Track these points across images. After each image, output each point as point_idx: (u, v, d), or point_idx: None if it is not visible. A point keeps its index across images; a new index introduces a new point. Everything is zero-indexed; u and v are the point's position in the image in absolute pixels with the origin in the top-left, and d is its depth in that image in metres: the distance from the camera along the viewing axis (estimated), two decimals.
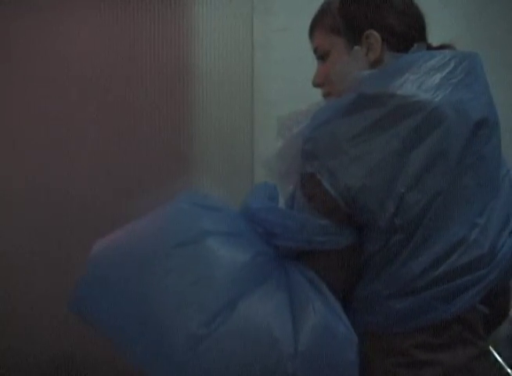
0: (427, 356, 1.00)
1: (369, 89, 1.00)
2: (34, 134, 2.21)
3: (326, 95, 1.16)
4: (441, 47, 1.10)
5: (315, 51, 1.16)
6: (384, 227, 0.97)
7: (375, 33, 1.06)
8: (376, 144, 0.96)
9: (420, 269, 0.97)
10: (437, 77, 0.99)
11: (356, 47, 1.08)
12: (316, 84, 1.17)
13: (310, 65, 1.21)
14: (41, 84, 2.20)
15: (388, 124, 0.96)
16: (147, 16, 2.20)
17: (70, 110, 2.20)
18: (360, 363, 0.96)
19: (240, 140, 2.26)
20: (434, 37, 1.14)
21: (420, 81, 0.98)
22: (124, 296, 0.99)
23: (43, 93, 2.21)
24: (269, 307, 0.94)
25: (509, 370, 1.84)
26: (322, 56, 1.14)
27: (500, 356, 1.82)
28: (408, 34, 1.08)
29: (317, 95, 1.18)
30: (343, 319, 0.97)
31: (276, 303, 0.95)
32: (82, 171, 2.22)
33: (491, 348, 1.35)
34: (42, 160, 2.22)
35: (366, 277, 1.01)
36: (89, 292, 1.04)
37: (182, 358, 0.90)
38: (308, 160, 1.01)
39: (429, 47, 1.10)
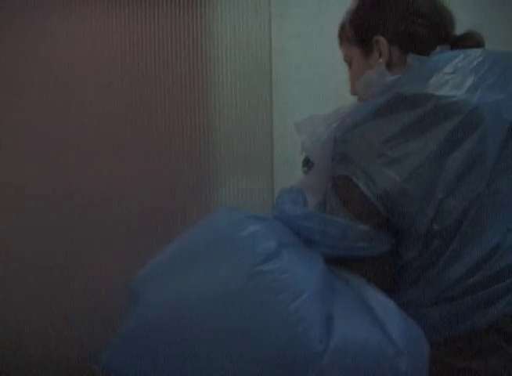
0: (462, 364, 0.98)
1: (405, 90, 0.98)
2: (48, 133, 2.21)
3: (361, 101, 1.14)
4: (467, 36, 1.09)
5: (344, 59, 1.20)
6: (423, 232, 0.94)
7: (381, 38, 1.08)
8: (413, 147, 0.94)
9: (456, 276, 0.95)
10: (473, 78, 0.97)
11: (379, 60, 1.09)
12: (352, 94, 1.18)
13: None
14: (49, 85, 2.21)
15: (426, 126, 0.94)
16: (165, 22, 2.22)
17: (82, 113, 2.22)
18: None
19: (260, 144, 2.28)
20: None
21: (457, 82, 0.96)
22: (205, 335, 0.89)
23: (56, 93, 2.22)
24: (354, 309, 0.91)
25: None
26: (349, 64, 1.18)
27: None
28: (420, 34, 1.08)
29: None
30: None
31: (355, 305, 0.92)
32: (95, 177, 2.22)
33: None
34: (50, 160, 2.23)
35: (403, 285, 0.99)
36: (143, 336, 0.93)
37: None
38: (341, 162, 0.98)
39: (453, 38, 1.09)
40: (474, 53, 1.00)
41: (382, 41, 1.09)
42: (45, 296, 2.19)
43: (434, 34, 1.08)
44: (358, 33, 1.13)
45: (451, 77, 0.96)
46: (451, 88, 0.95)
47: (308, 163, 2.17)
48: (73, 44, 2.21)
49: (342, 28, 1.18)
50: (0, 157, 2.21)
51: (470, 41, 1.08)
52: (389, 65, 1.08)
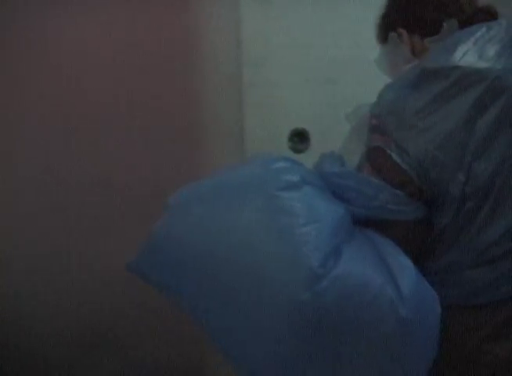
0: (506, 329, 1.00)
1: (431, 64, 1.02)
2: (48, 124, 2.17)
3: None
4: (482, 10, 1.14)
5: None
6: (457, 196, 0.98)
7: (401, 30, 1.18)
8: (442, 116, 0.98)
9: (494, 238, 0.98)
10: (496, 47, 1.01)
11: (392, 34, 1.19)
12: None
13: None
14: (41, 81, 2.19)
15: (452, 96, 0.98)
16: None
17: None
18: (442, 338, 0.95)
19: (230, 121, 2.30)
20: None
21: (480, 52, 1.00)
22: (216, 239, 0.99)
23: (48, 89, 2.17)
24: (367, 256, 0.95)
25: None
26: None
27: None
28: (430, 17, 1.14)
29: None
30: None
31: (370, 254, 0.96)
32: (93, 170, 2.21)
33: None
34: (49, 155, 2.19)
35: (440, 249, 1.02)
36: (166, 242, 1.05)
37: (300, 297, 0.88)
38: (376, 134, 1.03)
39: (468, 14, 1.13)
40: (496, 25, 1.04)
41: (403, 32, 1.18)
42: (48, 278, 2.20)
43: (445, 15, 1.13)
44: (384, 31, 1.22)
45: (475, 48, 1.01)
46: (475, 58, 0.99)
47: (293, 138, 2.27)
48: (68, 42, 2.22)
49: (376, 31, 1.27)
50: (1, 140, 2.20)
51: (486, 15, 1.13)
52: (413, 53, 1.17)
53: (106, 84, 2.21)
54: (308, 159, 1.17)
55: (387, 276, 0.92)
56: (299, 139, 2.33)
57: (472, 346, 1.01)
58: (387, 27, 1.22)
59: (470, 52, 1.00)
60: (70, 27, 2.17)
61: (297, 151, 2.30)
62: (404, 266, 0.95)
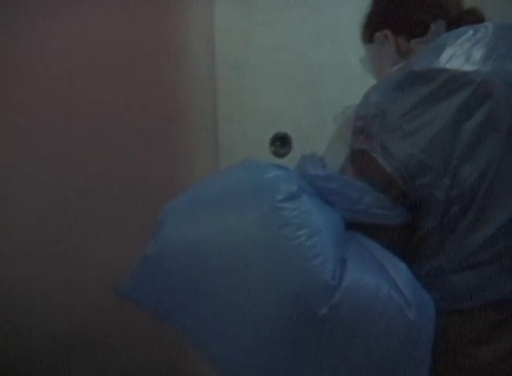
0: (496, 333, 0.98)
1: (418, 66, 1.01)
2: (35, 128, 2.22)
3: None
4: (469, 12, 1.13)
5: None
6: (442, 200, 0.97)
7: (386, 31, 1.17)
8: (428, 119, 0.97)
9: (479, 242, 0.97)
10: (484, 50, 1.00)
11: (377, 34, 1.18)
12: None
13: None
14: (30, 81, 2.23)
15: (439, 99, 0.97)
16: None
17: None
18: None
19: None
20: None
21: (467, 55, 0.99)
22: (214, 257, 0.94)
23: (39, 90, 2.23)
24: (367, 263, 0.94)
25: None
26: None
27: None
28: (416, 18, 1.14)
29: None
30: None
31: (368, 260, 0.95)
32: (83, 170, 2.21)
33: None
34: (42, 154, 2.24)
35: (425, 253, 1.01)
36: (160, 258, 0.98)
37: (318, 312, 0.86)
38: (360, 136, 1.02)
39: (456, 16, 1.12)
40: (483, 27, 1.03)
41: (388, 34, 1.17)
42: (46, 276, 2.19)
43: (430, 16, 1.12)
44: (369, 31, 1.21)
45: (461, 51, 1.00)
46: (461, 62, 0.98)
47: (275, 142, 2.26)
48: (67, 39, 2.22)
49: (361, 32, 1.26)
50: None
51: (471, 17, 1.12)
52: (399, 54, 1.16)
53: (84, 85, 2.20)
54: (290, 163, 1.14)
55: (390, 282, 0.91)
56: (281, 143, 2.32)
57: (456, 350, 1.00)
58: (372, 26, 1.21)
59: (457, 55, 0.99)
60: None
61: (279, 155, 2.30)
62: (400, 270, 0.95)
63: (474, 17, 1.12)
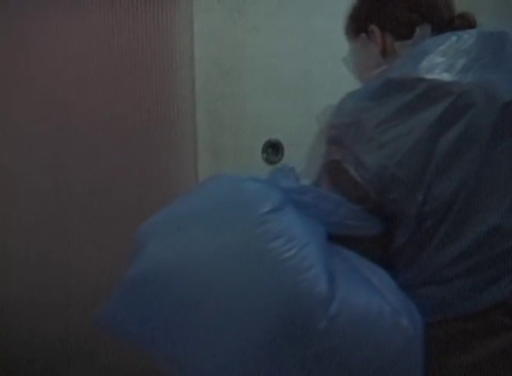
0: (466, 343, 0.96)
1: (396, 74, 0.97)
2: (34, 130, 2.22)
3: None
4: (459, 17, 1.09)
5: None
6: (413, 215, 0.93)
7: (373, 27, 1.12)
8: (403, 130, 0.93)
9: (452, 257, 0.94)
10: (465, 59, 0.95)
11: (362, 34, 1.14)
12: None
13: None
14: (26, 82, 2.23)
15: (416, 110, 0.93)
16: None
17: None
18: None
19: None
20: None
21: (448, 64, 0.95)
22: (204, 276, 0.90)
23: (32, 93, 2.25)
24: (353, 274, 0.93)
25: None
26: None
27: None
28: (405, 18, 1.09)
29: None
30: None
31: (352, 270, 0.94)
32: (79, 170, 2.23)
33: None
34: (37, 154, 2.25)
35: (398, 266, 0.98)
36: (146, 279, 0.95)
37: (317, 325, 0.84)
38: (334, 146, 0.98)
39: (446, 20, 1.09)
40: (467, 34, 0.99)
41: (374, 29, 1.12)
42: (43, 282, 2.20)
43: (419, 17, 1.08)
44: (355, 25, 1.17)
45: (442, 59, 0.96)
46: (442, 71, 0.94)
47: (267, 149, 2.26)
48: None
49: (346, 23, 1.21)
50: None
51: (462, 22, 1.08)
52: (384, 52, 1.11)
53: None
54: None
55: (377, 291, 0.90)
56: (273, 150, 2.32)
57: (430, 359, 0.96)
58: (359, 20, 1.16)
59: (437, 63, 0.96)
60: None
61: (271, 163, 2.30)
62: (383, 278, 0.94)
63: (465, 22, 1.08)
